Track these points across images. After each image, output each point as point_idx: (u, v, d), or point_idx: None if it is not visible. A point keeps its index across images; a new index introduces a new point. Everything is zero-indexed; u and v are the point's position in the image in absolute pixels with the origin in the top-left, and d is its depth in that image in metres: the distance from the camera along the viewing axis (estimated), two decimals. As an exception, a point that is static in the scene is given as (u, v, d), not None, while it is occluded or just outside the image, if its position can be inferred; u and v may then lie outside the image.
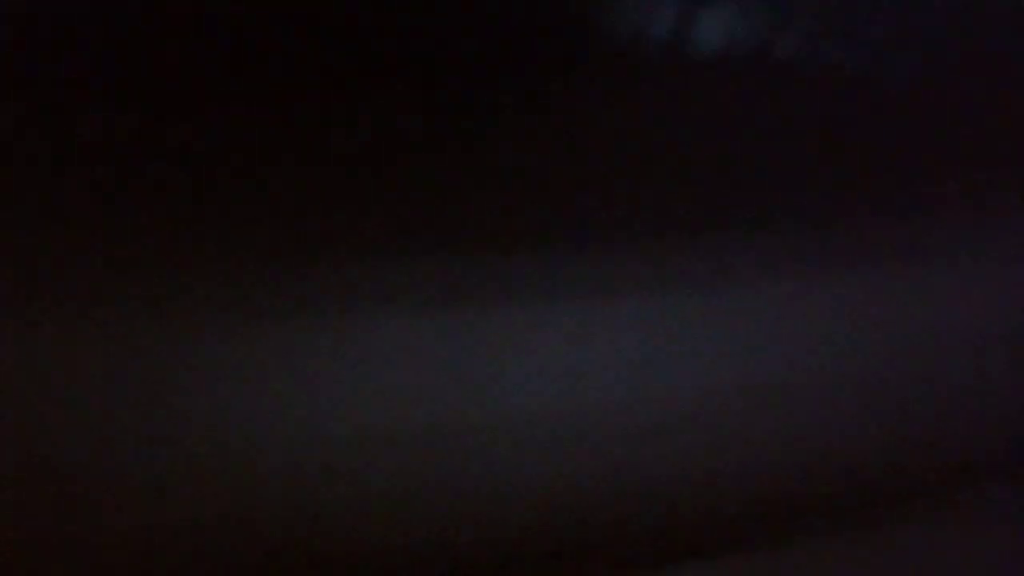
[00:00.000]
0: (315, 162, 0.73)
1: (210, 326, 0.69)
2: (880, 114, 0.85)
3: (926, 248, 0.86)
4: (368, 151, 0.74)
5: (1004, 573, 0.83)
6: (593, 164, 0.79)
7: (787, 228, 0.82)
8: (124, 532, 0.67)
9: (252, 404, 0.69)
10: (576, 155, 0.78)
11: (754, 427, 0.79)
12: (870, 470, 0.82)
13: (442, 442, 0.72)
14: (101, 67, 0.69)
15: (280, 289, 0.71)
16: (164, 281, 0.69)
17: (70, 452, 0.66)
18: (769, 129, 0.82)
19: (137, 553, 0.67)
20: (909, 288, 0.84)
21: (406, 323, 0.72)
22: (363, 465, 0.71)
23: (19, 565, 0.65)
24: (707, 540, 0.78)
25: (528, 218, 0.77)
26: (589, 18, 0.79)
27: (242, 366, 0.69)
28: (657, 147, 0.80)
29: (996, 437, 0.86)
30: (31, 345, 0.66)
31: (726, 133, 0.81)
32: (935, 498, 0.84)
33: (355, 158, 0.74)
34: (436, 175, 0.75)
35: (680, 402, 0.78)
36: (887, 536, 0.82)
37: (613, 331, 0.77)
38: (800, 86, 0.83)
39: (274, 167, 0.72)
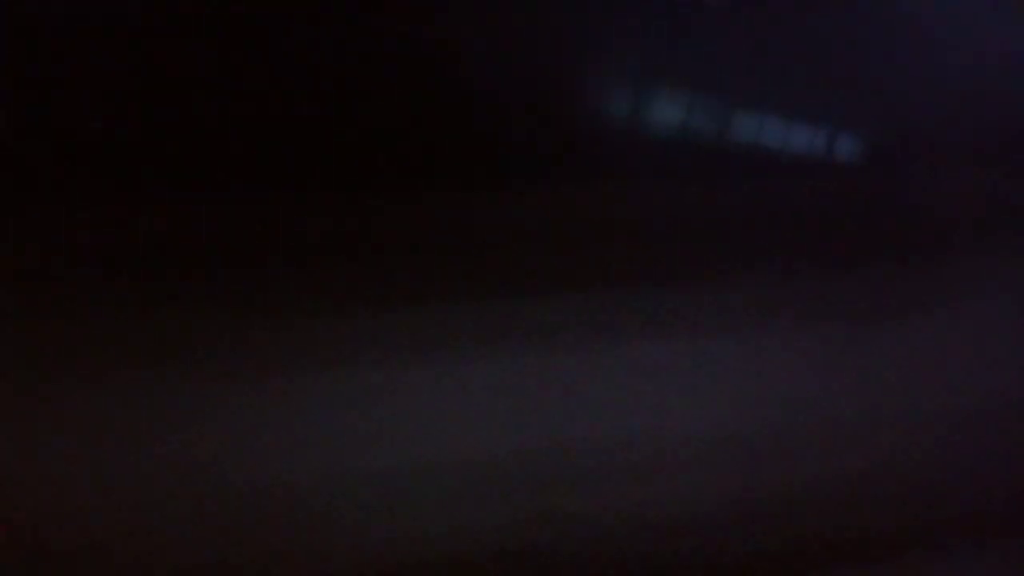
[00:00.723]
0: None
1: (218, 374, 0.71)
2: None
3: (928, 297, 0.86)
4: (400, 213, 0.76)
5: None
6: (594, 224, 0.80)
7: (787, 279, 0.83)
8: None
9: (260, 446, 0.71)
10: (578, 216, 0.80)
11: (755, 472, 0.79)
12: (870, 515, 0.82)
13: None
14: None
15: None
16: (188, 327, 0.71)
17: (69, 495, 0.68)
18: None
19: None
20: (906, 338, 0.85)
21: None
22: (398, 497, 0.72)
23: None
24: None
25: (534, 270, 0.78)
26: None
27: (248, 413, 0.71)
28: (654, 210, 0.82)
29: (993, 490, 0.86)
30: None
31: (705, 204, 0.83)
32: (934, 546, 0.84)
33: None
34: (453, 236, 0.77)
35: (678, 444, 0.78)
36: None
37: (618, 373, 0.78)
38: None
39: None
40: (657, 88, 0.82)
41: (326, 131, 0.76)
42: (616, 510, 0.76)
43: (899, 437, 0.83)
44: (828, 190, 0.86)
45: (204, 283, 0.72)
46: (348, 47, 0.76)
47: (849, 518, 0.81)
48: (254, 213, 0.74)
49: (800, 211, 0.85)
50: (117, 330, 0.70)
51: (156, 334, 0.70)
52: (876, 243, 0.86)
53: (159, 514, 0.68)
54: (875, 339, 0.84)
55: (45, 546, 0.66)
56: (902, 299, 0.85)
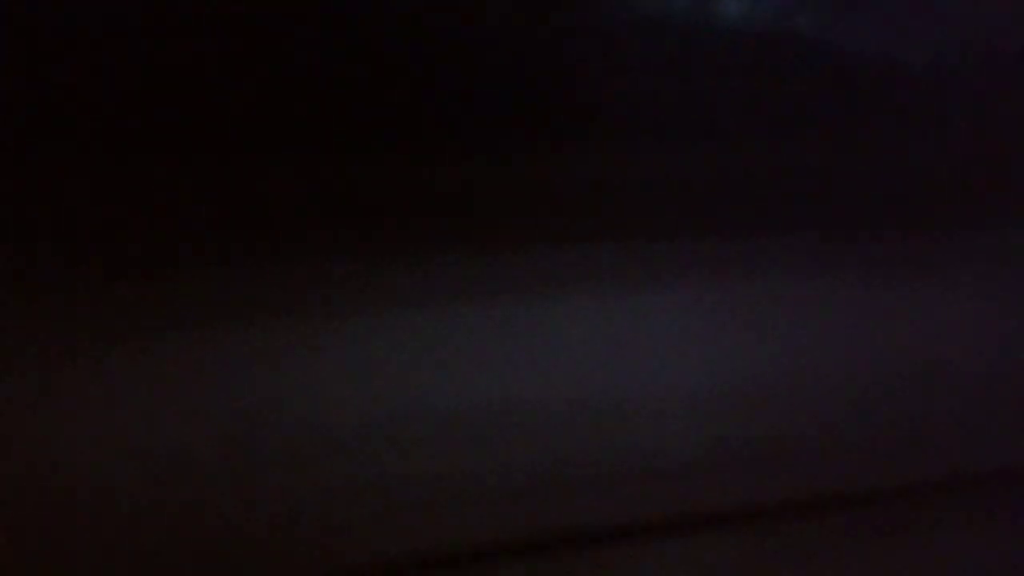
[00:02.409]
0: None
1: (215, 320, 0.71)
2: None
3: (938, 250, 0.86)
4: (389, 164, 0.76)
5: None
6: (607, 168, 0.80)
7: (804, 229, 0.83)
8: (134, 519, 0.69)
9: (256, 396, 0.71)
10: (590, 160, 0.80)
11: (758, 421, 0.80)
12: (873, 466, 0.83)
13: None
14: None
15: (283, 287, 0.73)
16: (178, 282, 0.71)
17: (73, 448, 0.68)
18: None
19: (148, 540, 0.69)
20: (915, 292, 0.84)
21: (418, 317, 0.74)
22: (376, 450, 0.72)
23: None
24: (706, 527, 0.79)
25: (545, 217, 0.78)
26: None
27: (244, 360, 0.71)
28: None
29: (997, 439, 0.86)
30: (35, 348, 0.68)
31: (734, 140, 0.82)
32: (935, 497, 0.84)
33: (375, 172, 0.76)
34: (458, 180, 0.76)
35: (686, 391, 0.79)
36: (889, 532, 0.83)
37: (620, 323, 0.78)
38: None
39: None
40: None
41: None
42: (622, 455, 0.77)
43: (891, 391, 0.83)
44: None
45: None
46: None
47: (839, 470, 0.82)
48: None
49: (801, 165, 0.84)
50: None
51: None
52: (873, 199, 0.85)
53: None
54: (872, 294, 0.84)
55: (77, 500, 0.67)
56: (901, 255, 0.85)
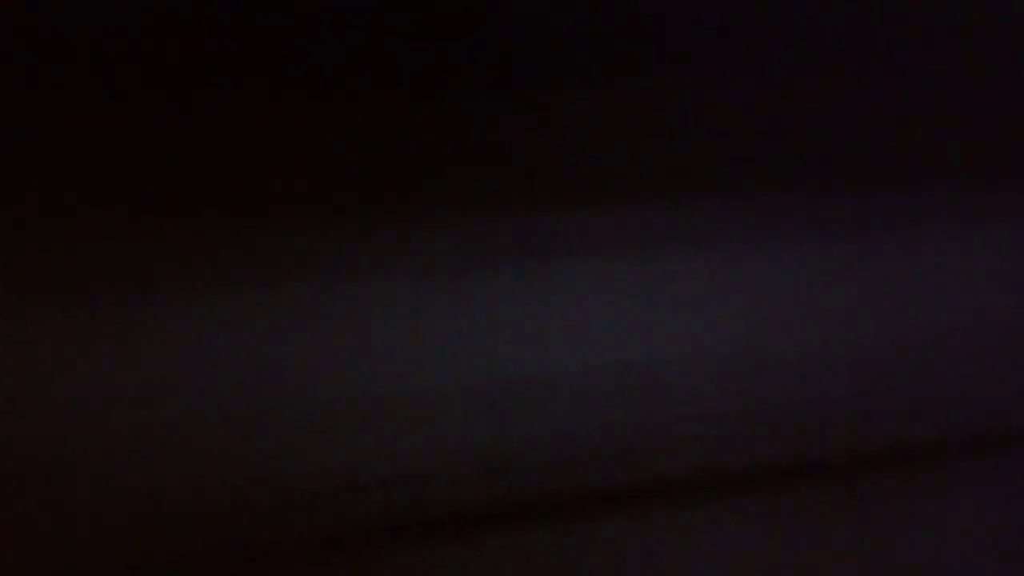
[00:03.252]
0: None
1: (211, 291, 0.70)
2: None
3: (932, 216, 0.85)
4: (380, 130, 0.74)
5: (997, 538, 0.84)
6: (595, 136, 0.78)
7: (794, 195, 0.82)
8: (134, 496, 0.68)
9: (254, 369, 0.69)
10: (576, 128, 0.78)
11: (750, 389, 0.79)
12: (865, 431, 0.83)
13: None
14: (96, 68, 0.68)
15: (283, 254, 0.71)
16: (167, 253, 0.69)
17: (72, 423, 0.66)
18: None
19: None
20: (905, 258, 0.84)
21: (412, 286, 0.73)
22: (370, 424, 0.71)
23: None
24: (704, 492, 0.79)
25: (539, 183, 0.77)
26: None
27: (240, 330, 0.70)
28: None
29: (990, 407, 0.86)
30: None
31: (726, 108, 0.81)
32: (927, 463, 0.84)
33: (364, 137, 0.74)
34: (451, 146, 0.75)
35: (677, 360, 0.78)
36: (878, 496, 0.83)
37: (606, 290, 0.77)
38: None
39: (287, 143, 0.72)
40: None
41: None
42: (632, 424, 0.76)
43: (894, 356, 0.83)
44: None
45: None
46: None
47: (843, 434, 0.82)
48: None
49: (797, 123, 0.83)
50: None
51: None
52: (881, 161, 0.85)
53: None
54: (878, 256, 0.83)
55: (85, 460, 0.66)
56: (904, 217, 0.84)
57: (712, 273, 0.79)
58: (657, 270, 0.78)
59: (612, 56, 0.76)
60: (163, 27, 0.68)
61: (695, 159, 0.79)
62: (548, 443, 0.75)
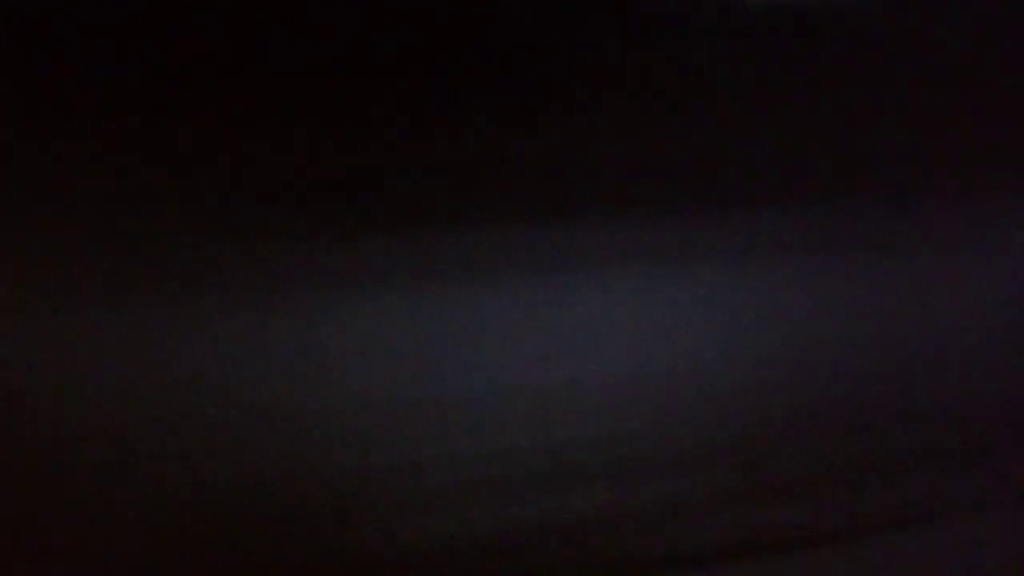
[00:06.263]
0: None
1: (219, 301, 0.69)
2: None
3: (931, 233, 0.86)
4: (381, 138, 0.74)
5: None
6: (593, 149, 0.79)
7: (793, 209, 0.83)
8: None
9: (257, 373, 0.69)
10: (576, 140, 0.79)
11: (747, 405, 0.79)
12: (864, 439, 0.83)
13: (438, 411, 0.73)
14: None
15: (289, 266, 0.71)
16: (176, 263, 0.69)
17: (79, 421, 0.66)
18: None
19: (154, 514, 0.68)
20: (907, 273, 0.85)
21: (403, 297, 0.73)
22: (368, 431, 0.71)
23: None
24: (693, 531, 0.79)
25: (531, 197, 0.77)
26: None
27: (246, 338, 0.69)
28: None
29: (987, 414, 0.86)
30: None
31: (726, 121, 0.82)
32: (927, 468, 0.84)
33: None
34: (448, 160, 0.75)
35: (674, 375, 0.78)
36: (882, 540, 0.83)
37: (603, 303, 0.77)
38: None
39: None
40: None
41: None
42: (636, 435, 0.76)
43: (893, 365, 0.83)
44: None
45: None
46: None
47: (844, 443, 0.81)
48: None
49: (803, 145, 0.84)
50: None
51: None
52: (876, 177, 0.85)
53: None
54: (875, 270, 0.84)
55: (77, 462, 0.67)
56: (900, 232, 0.85)
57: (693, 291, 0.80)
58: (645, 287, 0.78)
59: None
60: (163, 30, 0.68)
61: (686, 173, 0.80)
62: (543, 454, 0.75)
